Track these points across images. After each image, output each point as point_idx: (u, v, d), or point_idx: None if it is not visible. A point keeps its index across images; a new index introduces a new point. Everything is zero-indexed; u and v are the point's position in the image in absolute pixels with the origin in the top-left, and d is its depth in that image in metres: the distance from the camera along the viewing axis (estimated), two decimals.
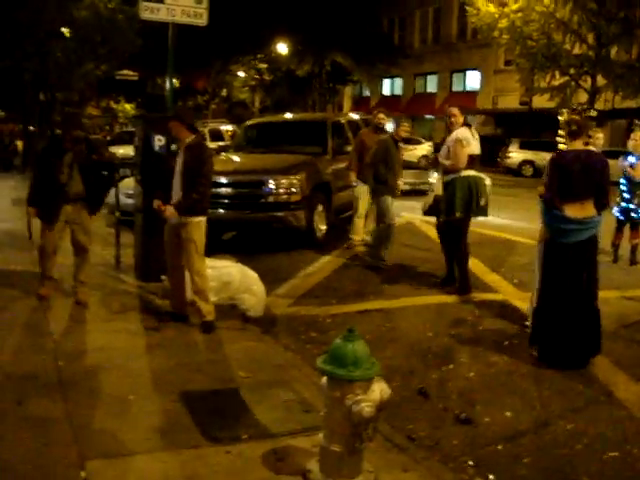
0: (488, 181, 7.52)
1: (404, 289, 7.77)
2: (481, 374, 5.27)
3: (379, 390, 3.32)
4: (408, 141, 24.50)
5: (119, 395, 4.53)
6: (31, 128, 29.60)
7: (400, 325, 6.48)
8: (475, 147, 7.41)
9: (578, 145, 5.59)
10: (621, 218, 9.29)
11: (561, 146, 5.99)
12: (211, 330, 5.94)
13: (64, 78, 28.04)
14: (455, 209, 7.25)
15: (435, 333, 6.24)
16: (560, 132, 6.23)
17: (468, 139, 7.32)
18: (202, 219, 6.01)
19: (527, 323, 6.21)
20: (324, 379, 3.36)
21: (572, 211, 5.39)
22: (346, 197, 10.42)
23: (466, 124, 7.50)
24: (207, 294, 6.09)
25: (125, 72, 33.68)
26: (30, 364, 5.10)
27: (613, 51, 26.00)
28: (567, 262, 5.47)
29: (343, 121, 11.84)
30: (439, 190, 7.55)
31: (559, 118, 6.08)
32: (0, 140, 29.72)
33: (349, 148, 10.32)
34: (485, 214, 7.63)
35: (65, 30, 26.36)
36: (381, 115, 9.97)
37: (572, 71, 25.87)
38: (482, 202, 7.37)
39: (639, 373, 5.38)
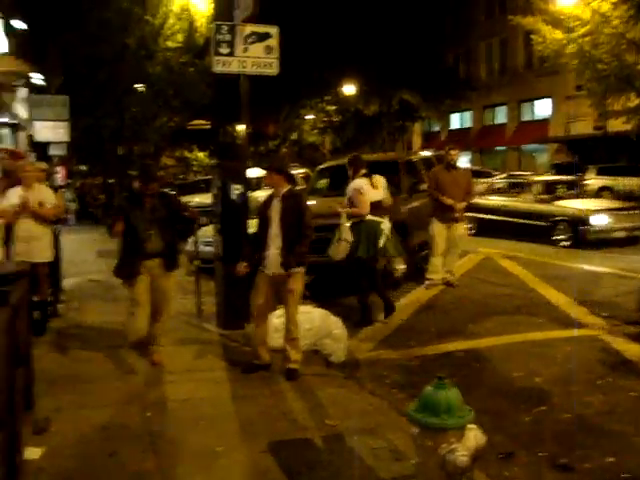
0: (386, 224, 8.05)
1: (487, 328, 7.58)
2: (577, 415, 5.05)
3: (474, 437, 3.21)
4: (479, 174, 24.21)
5: (207, 447, 4.53)
6: (110, 181, 30.74)
7: (486, 366, 6.30)
8: (375, 194, 8.05)
9: None
10: None
11: None
12: (296, 378, 5.91)
13: (140, 132, 29.12)
14: (359, 251, 7.88)
15: (524, 373, 6.03)
16: None
17: (364, 188, 7.96)
18: (304, 269, 6.07)
19: None
20: (415, 428, 3.27)
21: None
22: (423, 236, 10.32)
23: (365, 174, 8.12)
24: (299, 343, 6.09)
25: (197, 122, 34.64)
26: (120, 415, 5.18)
27: None
28: None
29: (415, 159, 11.81)
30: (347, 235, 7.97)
31: None
32: (85, 193, 30.81)
33: (423, 186, 10.24)
34: (388, 254, 8.33)
35: (140, 86, 27.46)
36: (453, 152, 9.91)
37: None
38: (380, 243, 7.94)
39: None
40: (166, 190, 7.70)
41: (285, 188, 6.10)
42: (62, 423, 4.98)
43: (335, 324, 6.67)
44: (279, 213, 6.01)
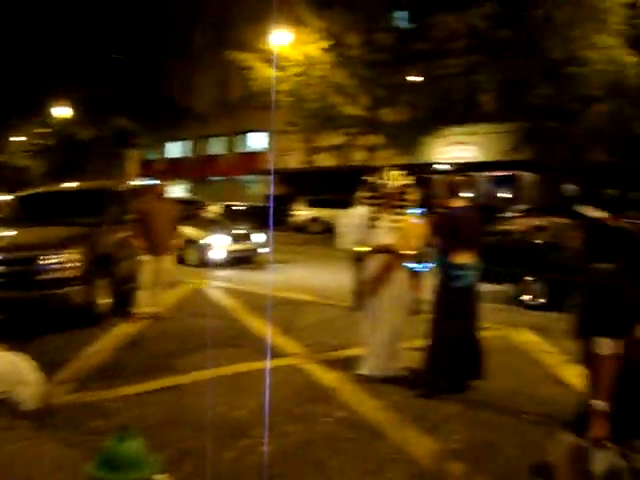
0: None
1: (194, 362, 7.44)
2: (278, 446, 5.10)
3: None
4: (193, 203, 24.29)
5: None
6: None
7: (192, 402, 6.14)
8: None
9: (460, 202, 6.31)
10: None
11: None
12: None
13: None
14: None
15: (228, 407, 5.98)
16: (365, 193, 6.71)
17: None
18: None
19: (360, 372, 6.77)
20: None
21: (463, 258, 6.19)
22: (130, 268, 9.97)
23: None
24: None
25: None
26: None
27: (386, 112, 27.89)
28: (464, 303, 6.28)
29: (122, 189, 11.41)
30: None
31: (370, 179, 6.54)
32: None
33: (130, 217, 9.90)
34: None
35: None
36: (162, 182, 9.78)
37: (350, 131, 27.37)
38: None
39: (426, 425, 5.53)
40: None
41: None
42: None
43: (27, 368, 6.04)
44: None
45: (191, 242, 16.03)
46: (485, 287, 8.09)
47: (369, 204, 6.64)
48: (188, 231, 16.08)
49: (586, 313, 3.31)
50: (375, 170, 6.90)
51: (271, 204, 27.36)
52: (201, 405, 6.03)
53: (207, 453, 4.96)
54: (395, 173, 6.53)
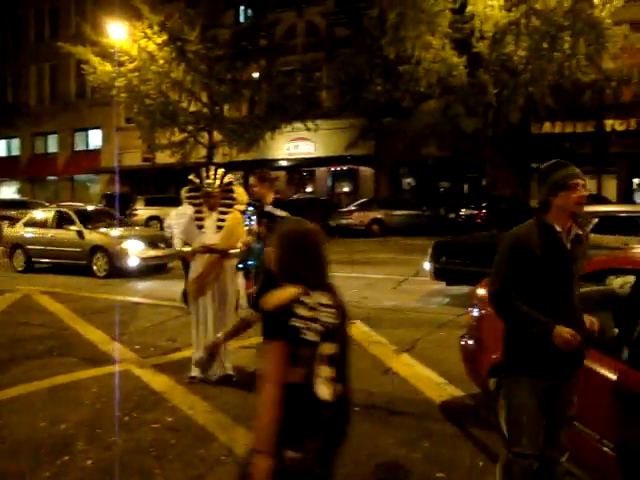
0: None
1: (14, 376, 6.97)
2: (99, 459, 4.88)
3: None
4: (28, 205, 23.03)
5: None
6: None
7: (9, 420, 5.71)
8: None
9: (272, 196, 6.40)
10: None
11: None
12: None
13: None
14: None
15: (50, 422, 5.65)
16: (187, 192, 6.54)
17: None
18: None
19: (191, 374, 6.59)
20: None
21: None
22: None
23: None
24: None
25: None
26: None
27: (226, 108, 27.78)
28: None
29: None
30: None
31: (192, 178, 6.38)
32: None
33: None
34: None
35: None
36: None
37: (190, 128, 27.04)
38: None
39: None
40: None
41: None
42: None
43: None
44: None
45: (99, 249, 14.41)
46: None
47: (191, 203, 6.53)
48: (94, 236, 14.67)
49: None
50: (200, 168, 6.78)
51: (116, 202, 26.46)
52: (19, 423, 5.69)
53: (22, 476, 4.67)
54: (219, 171, 6.43)
